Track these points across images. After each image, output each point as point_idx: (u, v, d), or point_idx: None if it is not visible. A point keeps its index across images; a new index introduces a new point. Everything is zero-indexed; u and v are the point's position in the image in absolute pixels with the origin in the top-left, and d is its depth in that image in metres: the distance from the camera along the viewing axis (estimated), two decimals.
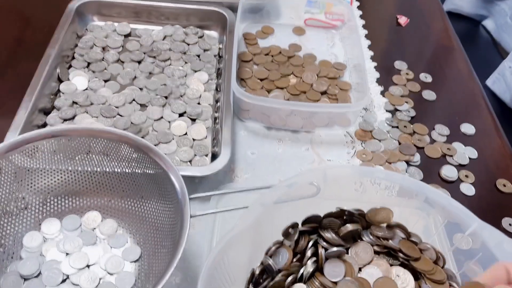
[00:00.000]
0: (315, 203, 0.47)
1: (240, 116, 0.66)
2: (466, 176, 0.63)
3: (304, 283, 0.43)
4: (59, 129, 0.50)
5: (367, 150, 0.64)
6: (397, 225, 0.47)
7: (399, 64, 0.78)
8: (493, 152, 0.67)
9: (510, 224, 0.58)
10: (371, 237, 0.46)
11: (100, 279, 0.47)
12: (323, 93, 0.70)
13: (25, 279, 0.46)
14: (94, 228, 0.51)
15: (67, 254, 0.49)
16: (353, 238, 0.47)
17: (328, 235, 0.45)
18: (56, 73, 0.65)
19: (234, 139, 0.63)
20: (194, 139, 0.61)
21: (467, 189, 0.62)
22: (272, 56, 0.75)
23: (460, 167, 0.64)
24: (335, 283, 0.43)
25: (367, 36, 0.82)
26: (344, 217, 0.46)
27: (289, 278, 0.43)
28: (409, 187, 0.49)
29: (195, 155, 0.59)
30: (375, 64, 0.77)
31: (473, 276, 0.46)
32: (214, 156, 0.59)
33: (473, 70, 0.80)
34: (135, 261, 0.49)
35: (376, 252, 0.46)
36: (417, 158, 0.64)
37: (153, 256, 0.48)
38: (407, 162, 0.63)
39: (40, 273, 0.47)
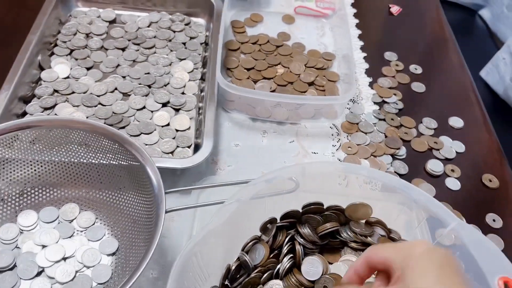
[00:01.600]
0: (297, 197, 0.47)
1: (225, 106, 0.65)
2: (452, 170, 0.62)
3: (281, 279, 0.43)
4: (37, 120, 0.49)
5: (353, 143, 0.63)
6: (376, 222, 0.46)
7: (389, 55, 0.77)
8: (481, 146, 0.66)
9: (494, 220, 0.58)
10: (349, 233, 0.45)
11: (76, 272, 0.47)
12: (311, 84, 0.69)
13: (0, 272, 0.46)
14: (72, 220, 0.50)
15: (43, 246, 0.48)
16: (331, 234, 0.46)
17: (305, 230, 0.45)
18: (37, 60, 0.64)
19: (217, 131, 0.62)
20: (177, 130, 0.60)
21: (453, 183, 0.61)
22: (260, 45, 0.73)
23: (446, 161, 0.63)
24: (312, 281, 0.42)
25: (358, 26, 0.81)
26: (324, 213, 0.46)
27: (265, 275, 0.42)
28: (391, 185, 0.48)
29: (177, 146, 0.58)
30: (364, 54, 0.76)
31: None
32: (197, 148, 0.58)
33: (465, 62, 0.79)
34: (112, 254, 0.48)
35: (354, 249, 0.46)
36: (402, 151, 0.63)
37: (130, 249, 0.48)
38: (393, 156, 0.62)
39: (15, 265, 0.47)
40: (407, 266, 0.31)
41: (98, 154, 0.50)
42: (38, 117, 0.51)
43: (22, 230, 0.49)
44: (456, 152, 0.64)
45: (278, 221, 0.46)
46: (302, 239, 0.44)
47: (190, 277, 0.38)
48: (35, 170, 0.50)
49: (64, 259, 0.48)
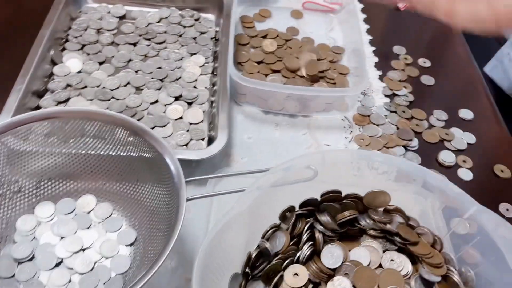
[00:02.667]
0: (313, 186, 0.47)
1: (237, 100, 0.65)
2: (464, 161, 0.63)
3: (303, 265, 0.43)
4: (53, 111, 0.49)
5: (365, 135, 0.63)
6: (395, 209, 0.47)
7: (397, 49, 0.77)
8: (491, 137, 0.67)
9: (507, 209, 0.58)
10: (368, 221, 0.46)
11: (95, 262, 0.47)
12: (322, 72, 0.68)
13: (19, 263, 0.46)
14: (89, 212, 0.50)
15: (61, 237, 0.48)
16: (349, 222, 0.46)
17: (324, 218, 0.45)
18: (49, 56, 0.64)
19: (231, 123, 0.63)
20: (190, 123, 0.60)
21: (465, 174, 0.61)
22: (270, 39, 0.74)
23: (458, 152, 0.64)
24: (333, 269, 0.43)
25: (365, 20, 0.81)
26: (342, 201, 0.46)
27: (286, 262, 0.42)
28: (407, 171, 0.48)
29: (191, 139, 0.59)
30: (373, 48, 0.76)
31: (471, 261, 0.46)
32: (210, 140, 0.58)
33: (471, 55, 0.80)
34: (130, 245, 0.49)
35: (372, 236, 0.46)
36: (415, 143, 0.63)
37: (149, 240, 0.48)
38: (405, 147, 0.63)
39: (33, 256, 0.46)
40: None
41: (117, 146, 0.50)
42: (55, 109, 0.51)
43: (40, 222, 0.49)
44: (467, 143, 0.65)
45: (297, 209, 0.46)
46: (321, 227, 0.44)
47: (213, 264, 0.38)
48: (51, 161, 0.50)
49: (83, 250, 0.48)
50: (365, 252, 0.44)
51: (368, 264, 0.44)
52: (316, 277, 0.42)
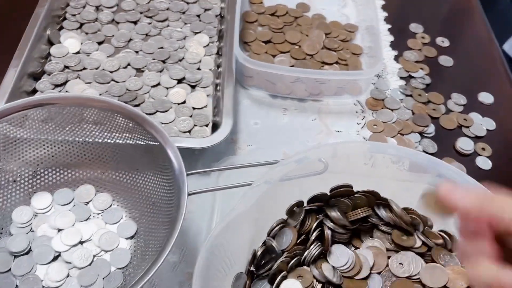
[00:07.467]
0: (322, 179, 0.44)
1: (243, 83, 0.62)
2: (483, 148, 0.59)
3: (308, 266, 0.41)
4: (49, 97, 0.47)
5: (379, 121, 0.60)
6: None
7: (414, 27, 0.72)
8: None
9: None
10: (385, 213, 0.43)
11: (94, 256, 0.45)
12: (334, 50, 0.65)
13: (15, 256, 0.44)
14: (88, 202, 0.48)
15: (58, 230, 0.46)
16: (362, 218, 0.44)
17: (334, 214, 0.42)
18: (46, 35, 0.61)
19: (236, 108, 0.60)
20: (194, 108, 0.57)
21: (483, 162, 0.58)
22: (278, 16, 0.69)
23: (476, 139, 0.60)
24: None
25: None
26: (353, 195, 0.43)
27: (292, 261, 0.40)
28: (421, 163, 0.45)
29: (194, 125, 0.56)
30: (389, 26, 0.72)
31: None
32: (215, 126, 0.55)
33: (493, 34, 0.75)
34: (130, 238, 0.47)
35: (383, 232, 0.43)
36: (431, 129, 0.60)
37: (150, 233, 0.46)
38: (421, 134, 0.59)
39: (30, 249, 0.45)
40: None
41: (115, 134, 0.47)
42: (51, 95, 0.48)
43: (37, 213, 0.47)
44: (487, 129, 0.61)
45: (305, 204, 0.43)
46: (331, 223, 0.42)
47: (216, 262, 0.36)
48: (48, 150, 0.48)
49: (81, 243, 0.46)
50: (369, 254, 0.41)
51: (372, 267, 0.41)
52: (323, 278, 0.40)
